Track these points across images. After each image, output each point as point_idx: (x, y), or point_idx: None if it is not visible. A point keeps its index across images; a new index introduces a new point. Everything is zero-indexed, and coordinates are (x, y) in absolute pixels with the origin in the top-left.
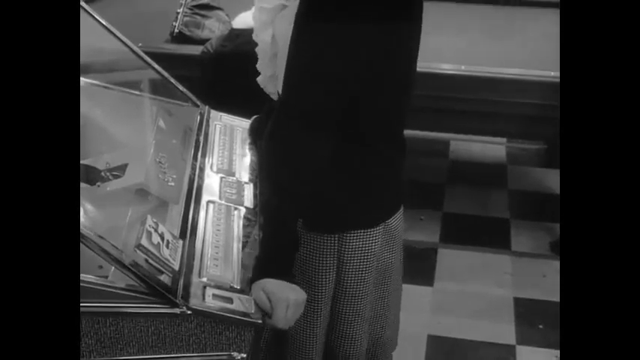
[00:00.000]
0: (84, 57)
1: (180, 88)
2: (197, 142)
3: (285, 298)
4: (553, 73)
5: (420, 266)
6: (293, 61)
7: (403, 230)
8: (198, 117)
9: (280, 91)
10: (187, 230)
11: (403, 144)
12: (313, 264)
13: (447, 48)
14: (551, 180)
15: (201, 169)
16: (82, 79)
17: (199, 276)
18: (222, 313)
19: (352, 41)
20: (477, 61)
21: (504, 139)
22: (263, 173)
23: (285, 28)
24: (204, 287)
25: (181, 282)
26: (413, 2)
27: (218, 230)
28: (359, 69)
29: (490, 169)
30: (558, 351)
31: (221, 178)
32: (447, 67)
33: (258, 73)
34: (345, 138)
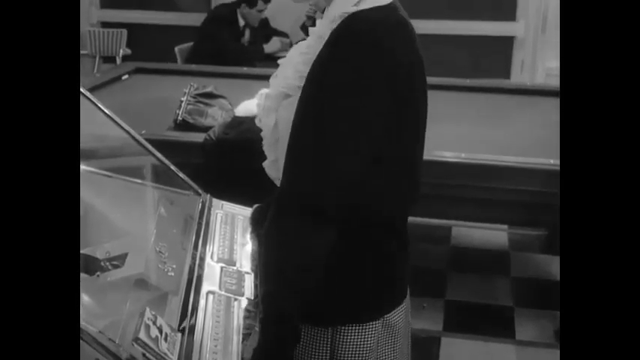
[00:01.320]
0: (85, 144)
1: (182, 176)
2: (198, 230)
3: None
4: (553, 161)
5: (423, 356)
6: (295, 148)
7: (409, 324)
8: (200, 205)
9: (281, 178)
10: (186, 322)
11: (406, 239)
12: (305, 357)
13: (447, 135)
14: (554, 267)
15: (202, 259)
16: (82, 166)
17: None
18: None
19: (356, 127)
20: (477, 148)
21: (506, 226)
22: (262, 262)
23: (288, 115)
24: None
25: None
26: (418, 89)
27: (217, 322)
28: (363, 157)
29: (492, 256)
30: None
31: (221, 267)
32: (447, 155)
33: (260, 161)
34: (344, 230)
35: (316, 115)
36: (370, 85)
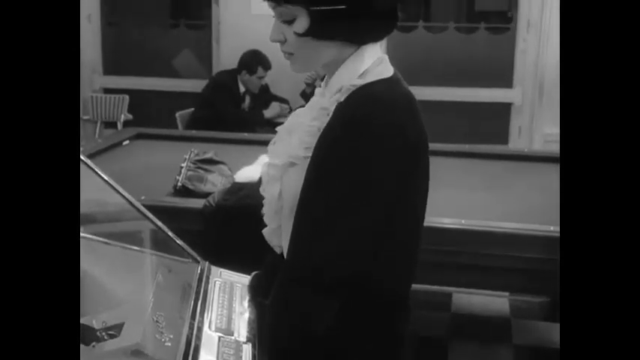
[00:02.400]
0: (83, 211)
1: (180, 243)
2: (196, 299)
3: None
4: (553, 228)
5: None
6: (302, 222)
7: None
8: (198, 273)
9: (285, 249)
10: None
11: (408, 308)
12: None
13: (446, 202)
14: (556, 334)
15: (199, 329)
16: (81, 234)
17: None
18: None
19: (362, 204)
20: (476, 214)
21: (507, 292)
22: (267, 334)
23: (293, 184)
24: None
25: None
26: (422, 165)
27: None
28: (368, 232)
29: (493, 323)
30: None
31: (219, 337)
32: (446, 222)
33: (259, 227)
34: (348, 301)
35: (323, 190)
36: (378, 163)
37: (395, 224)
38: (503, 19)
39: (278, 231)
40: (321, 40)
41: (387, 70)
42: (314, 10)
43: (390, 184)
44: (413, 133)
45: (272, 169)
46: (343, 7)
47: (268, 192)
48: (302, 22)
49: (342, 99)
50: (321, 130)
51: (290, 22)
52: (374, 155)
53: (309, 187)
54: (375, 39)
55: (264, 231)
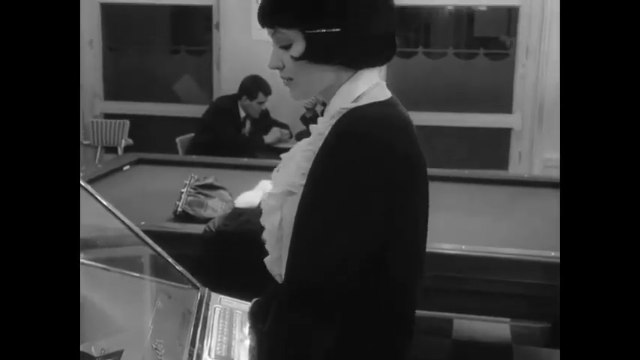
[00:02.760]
0: (84, 237)
1: (180, 269)
2: (195, 326)
3: None
4: (553, 253)
5: None
6: (297, 243)
7: None
8: (198, 299)
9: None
10: None
11: (410, 330)
12: None
13: (446, 227)
14: None
15: (199, 356)
16: (81, 260)
17: None
18: None
19: (356, 224)
20: (476, 240)
21: (508, 318)
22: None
23: (292, 213)
24: None
25: None
26: (419, 178)
27: None
28: (364, 251)
29: (495, 349)
30: None
31: None
32: (447, 247)
33: (259, 253)
34: (348, 320)
35: (317, 212)
36: (369, 183)
37: (393, 240)
38: (503, 45)
39: (279, 261)
40: (318, 64)
41: (382, 94)
42: (309, 33)
43: (383, 199)
44: (403, 149)
45: (271, 199)
46: (338, 30)
47: (269, 222)
48: (298, 47)
49: (334, 122)
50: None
51: (287, 47)
52: (364, 170)
53: (305, 208)
54: (372, 64)
55: (266, 260)
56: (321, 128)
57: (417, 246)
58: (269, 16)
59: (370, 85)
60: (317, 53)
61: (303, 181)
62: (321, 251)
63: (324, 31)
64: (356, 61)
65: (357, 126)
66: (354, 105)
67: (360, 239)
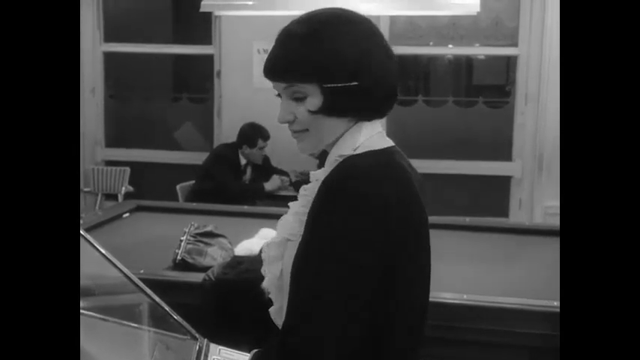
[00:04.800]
0: (81, 286)
1: (179, 319)
2: None
3: None
4: (556, 303)
5: None
6: (294, 295)
7: None
8: (196, 351)
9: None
10: None
11: None
12: None
13: (447, 276)
14: None
15: None
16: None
17: None
18: None
19: (351, 276)
20: (477, 289)
21: None
22: None
23: (290, 260)
24: None
25: None
26: (414, 228)
27: None
28: (361, 305)
29: None
30: None
31: None
32: (448, 297)
33: (259, 302)
34: None
35: (311, 263)
36: (361, 233)
37: (389, 296)
38: (502, 93)
39: (281, 311)
40: (332, 117)
41: (379, 143)
42: (327, 87)
43: (376, 252)
44: (396, 197)
45: (272, 248)
46: (355, 83)
47: (270, 272)
48: (315, 100)
49: (330, 170)
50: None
51: (301, 99)
52: (354, 223)
53: (299, 263)
54: (382, 115)
55: (271, 310)
56: (319, 175)
57: (417, 301)
58: (284, 71)
59: (371, 135)
60: (335, 106)
61: (301, 228)
62: (315, 310)
63: (341, 85)
64: (368, 112)
65: (345, 174)
66: (349, 153)
67: (353, 299)
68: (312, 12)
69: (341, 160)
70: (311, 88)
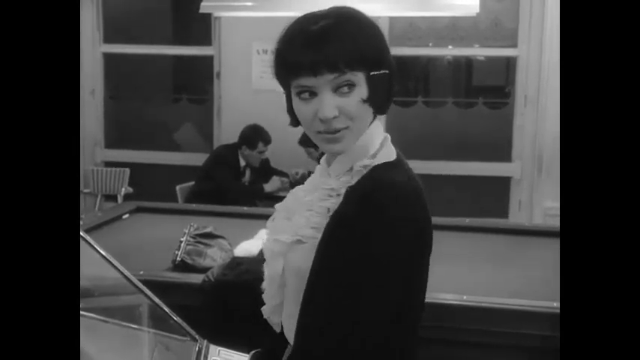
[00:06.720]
0: (81, 287)
1: (178, 320)
2: None
3: None
4: (556, 304)
5: None
6: (311, 306)
7: None
8: (196, 352)
9: (286, 327)
10: None
11: None
12: None
13: (447, 277)
14: None
15: None
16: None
17: None
18: None
19: (380, 283)
20: (477, 290)
21: None
22: None
23: (297, 261)
24: None
25: None
26: (429, 244)
27: None
28: (382, 320)
29: None
30: None
31: None
32: (448, 297)
33: (259, 303)
34: None
35: (336, 274)
36: (392, 252)
37: (405, 310)
38: (501, 95)
39: (279, 308)
40: (371, 108)
41: (392, 152)
42: (372, 75)
43: (403, 272)
44: (424, 223)
45: (277, 245)
46: (387, 72)
47: (272, 268)
48: (363, 89)
49: (352, 181)
50: (332, 212)
51: (346, 93)
52: (388, 243)
53: (321, 271)
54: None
55: (264, 309)
56: (334, 184)
57: (420, 309)
58: (354, 60)
59: (381, 139)
60: (377, 96)
61: (314, 235)
62: (337, 324)
63: (380, 72)
64: (388, 105)
65: (380, 197)
66: (369, 162)
67: (376, 312)
68: (332, 8)
69: (364, 171)
70: (361, 77)
